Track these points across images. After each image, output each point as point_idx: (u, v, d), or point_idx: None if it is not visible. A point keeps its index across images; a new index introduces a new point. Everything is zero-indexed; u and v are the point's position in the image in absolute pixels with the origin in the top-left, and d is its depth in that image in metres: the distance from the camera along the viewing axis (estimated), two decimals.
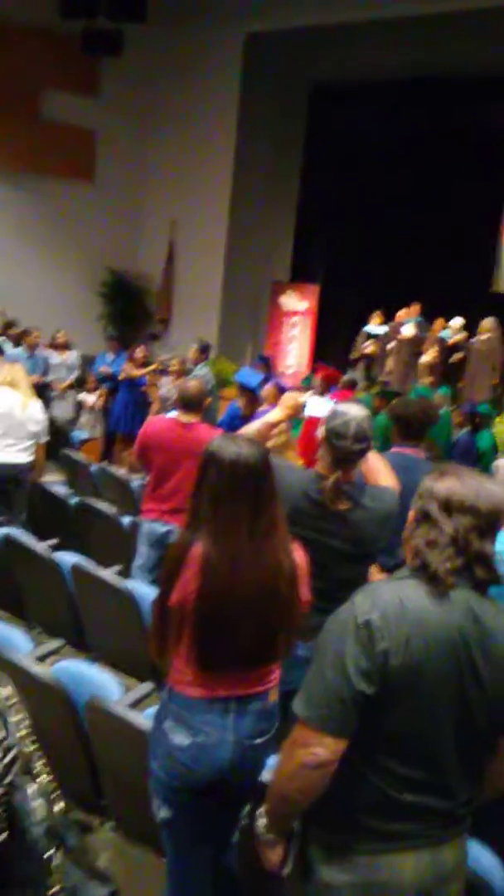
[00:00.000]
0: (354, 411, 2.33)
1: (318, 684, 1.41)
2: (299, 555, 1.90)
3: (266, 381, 5.92)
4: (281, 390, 5.75)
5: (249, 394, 5.60)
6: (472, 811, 1.55)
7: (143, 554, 3.79)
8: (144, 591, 3.22)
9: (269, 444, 3.10)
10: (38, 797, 1.14)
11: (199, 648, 1.80)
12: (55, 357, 8.62)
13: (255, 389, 5.58)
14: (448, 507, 1.45)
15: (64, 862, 1.12)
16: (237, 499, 1.79)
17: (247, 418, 5.25)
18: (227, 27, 10.29)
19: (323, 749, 1.40)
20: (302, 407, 2.78)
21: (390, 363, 10.51)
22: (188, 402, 3.67)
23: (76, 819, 1.23)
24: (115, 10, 9.94)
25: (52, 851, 1.10)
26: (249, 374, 6.08)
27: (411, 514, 1.54)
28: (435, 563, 1.43)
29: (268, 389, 5.82)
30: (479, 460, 6.76)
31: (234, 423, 5.55)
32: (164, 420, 3.85)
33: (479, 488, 1.47)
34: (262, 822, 1.58)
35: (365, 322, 10.94)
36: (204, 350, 7.02)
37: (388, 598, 1.41)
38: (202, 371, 6.82)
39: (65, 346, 8.76)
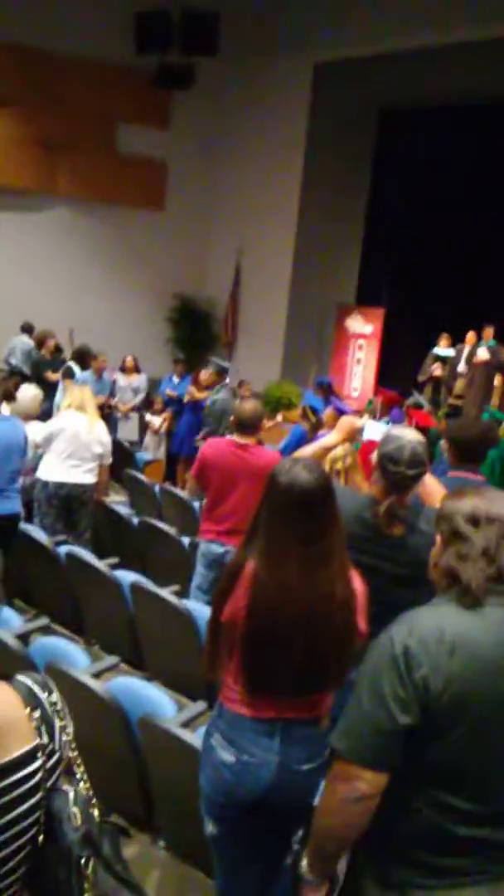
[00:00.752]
0: (409, 436, 2.31)
1: (356, 716, 1.38)
2: (358, 584, 1.87)
3: (326, 404, 5.92)
4: (340, 413, 5.76)
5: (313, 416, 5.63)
6: None
7: (200, 574, 3.83)
8: (202, 610, 3.25)
9: (338, 465, 3.10)
10: (77, 802, 1.16)
11: (246, 666, 1.80)
12: (122, 380, 8.86)
13: (316, 413, 5.59)
14: (475, 520, 1.45)
15: (97, 868, 1.14)
16: (288, 523, 1.78)
17: (310, 441, 5.26)
18: (294, 58, 10.50)
19: (363, 783, 1.37)
20: (359, 431, 2.77)
21: (459, 386, 10.36)
22: (244, 424, 3.72)
23: (114, 824, 1.24)
24: (188, 44, 10.28)
25: (86, 857, 1.12)
26: (312, 398, 6.12)
27: (438, 539, 1.52)
28: (467, 576, 1.41)
29: (328, 413, 5.82)
30: None
31: (299, 444, 5.60)
32: (222, 441, 3.90)
33: (498, 498, 1.48)
34: (304, 862, 1.55)
35: (431, 345, 10.82)
36: (221, 373, 7.00)
37: (426, 623, 1.39)
38: (220, 395, 6.78)
39: (134, 370, 9.00)
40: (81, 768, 1.21)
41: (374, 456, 2.35)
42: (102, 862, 1.15)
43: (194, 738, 2.19)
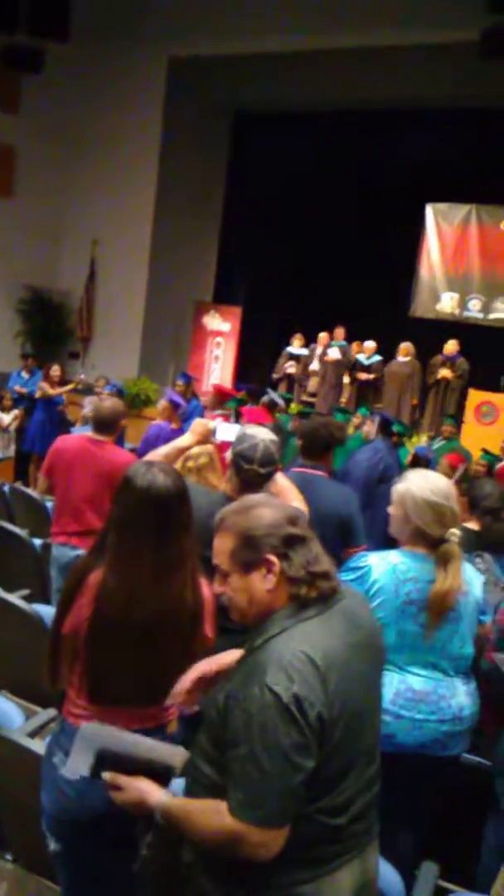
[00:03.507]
0: (262, 434, 2.36)
1: (258, 781, 1.30)
2: (206, 591, 1.84)
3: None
4: (174, 405, 5.92)
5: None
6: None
7: (54, 579, 3.71)
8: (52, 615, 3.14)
9: (189, 464, 3.09)
10: None
11: (90, 679, 1.74)
12: None
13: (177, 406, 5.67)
14: (289, 539, 1.48)
15: None
16: (142, 528, 1.73)
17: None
18: (150, 49, 10.40)
19: (275, 844, 1.33)
20: (212, 432, 2.79)
21: (313, 384, 10.73)
22: (102, 422, 3.64)
23: None
24: (37, 27, 9.86)
25: None
26: (173, 394, 6.22)
27: (273, 558, 1.47)
28: (327, 572, 1.46)
29: (161, 405, 6.03)
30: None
31: (157, 442, 5.66)
32: (74, 437, 3.80)
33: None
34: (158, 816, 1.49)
35: (287, 344, 11.13)
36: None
37: (299, 662, 1.34)
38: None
39: None
40: None
41: (228, 454, 2.39)
42: None
43: (43, 746, 2.12)
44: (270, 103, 11.22)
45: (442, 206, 11.83)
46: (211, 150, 11.79)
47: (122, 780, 1.51)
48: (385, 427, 6.08)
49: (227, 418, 6.23)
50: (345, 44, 9.07)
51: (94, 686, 1.75)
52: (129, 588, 1.71)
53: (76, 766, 1.56)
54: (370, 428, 6.32)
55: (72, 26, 9.84)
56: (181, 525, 1.78)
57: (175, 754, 1.42)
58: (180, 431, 6.20)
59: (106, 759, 1.52)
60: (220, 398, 7.32)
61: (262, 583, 1.45)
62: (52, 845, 1.83)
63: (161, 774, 1.52)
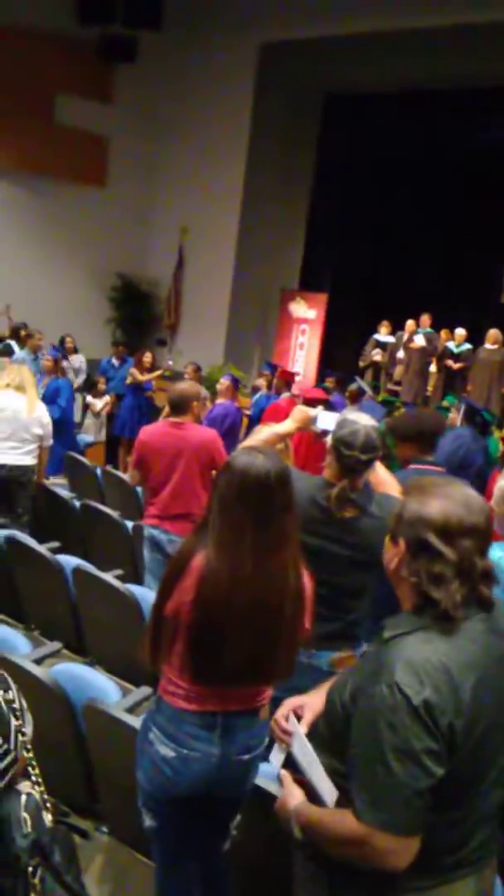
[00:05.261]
0: (364, 421, 2.32)
1: (388, 785, 1.25)
2: (307, 579, 1.83)
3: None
4: (235, 384, 6.31)
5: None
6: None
7: (147, 558, 3.78)
8: (147, 595, 3.20)
9: None
10: (29, 807, 1.10)
11: (191, 661, 1.76)
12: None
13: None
14: (447, 532, 1.33)
15: (46, 877, 1.08)
16: (243, 510, 1.73)
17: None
18: (240, 36, 10.37)
19: (405, 853, 1.28)
20: (312, 420, 2.76)
21: (398, 372, 10.53)
22: (175, 405, 3.72)
23: (69, 828, 1.19)
24: (132, 17, 10.03)
25: (33, 866, 1.07)
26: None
27: (402, 545, 1.39)
28: (445, 602, 1.31)
29: (223, 384, 6.21)
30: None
31: (226, 420, 6.04)
32: (156, 425, 3.88)
33: (468, 501, 1.35)
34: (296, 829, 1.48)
35: (373, 331, 10.95)
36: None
37: (431, 667, 1.28)
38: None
39: (72, 350, 8.81)
40: (36, 770, 1.16)
41: (329, 440, 2.36)
42: (52, 871, 1.10)
43: (139, 722, 2.16)
44: (359, 86, 10.99)
45: None
46: (298, 136, 11.68)
47: (287, 780, 1.53)
48: (471, 415, 5.91)
49: (291, 401, 6.30)
50: (434, 23, 8.79)
51: (193, 667, 1.76)
52: (232, 570, 1.71)
53: (274, 756, 1.68)
54: (455, 415, 6.17)
55: (164, 14, 9.96)
56: (282, 508, 1.77)
57: (332, 793, 1.44)
58: (241, 411, 6.52)
59: (290, 762, 1.60)
60: (285, 381, 7.43)
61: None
62: (148, 821, 1.87)
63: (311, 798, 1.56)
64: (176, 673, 1.80)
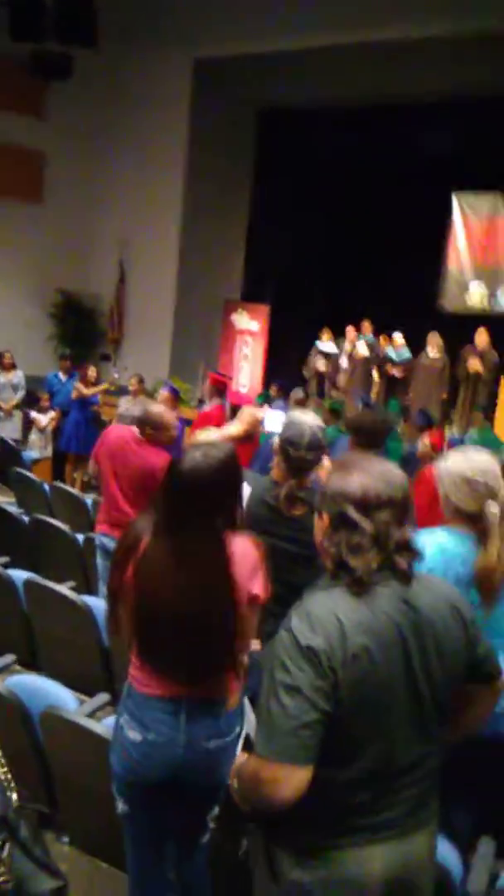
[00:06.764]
0: (309, 420, 2.38)
1: (277, 716, 1.34)
2: (252, 549, 1.88)
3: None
4: (175, 395, 6.39)
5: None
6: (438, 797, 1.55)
7: (99, 567, 3.77)
8: (103, 606, 3.18)
9: None
10: None
11: (140, 645, 1.83)
12: (0, 377, 8.61)
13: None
14: (365, 505, 1.41)
15: (14, 851, 1.10)
16: (182, 500, 1.80)
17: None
18: (176, 52, 10.47)
19: (296, 782, 1.34)
20: (260, 422, 2.83)
21: (342, 379, 10.71)
22: (145, 423, 3.64)
23: (34, 807, 1.20)
24: (64, 33, 9.97)
25: (1, 841, 1.08)
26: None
27: (325, 518, 1.47)
28: (358, 568, 1.39)
29: (162, 395, 6.32)
30: None
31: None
32: (124, 429, 3.81)
33: (387, 475, 1.44)
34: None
35: (315, 340, 11.12)
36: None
37: (325, 619, 1.36)
38: None
39: (10, 366, 8.77)
40: None
41: (275, 440, 2.42)
42: (19, 845, 1.12)
43: (99, 727, 2.16)
44: (295, 100, 11.21)
45: (468, 195, 11.68)
46: (237, 150, 11.83)
47: (242, 755, 1.60)
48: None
49: (220, 408, 6.34)
50: (368, 38, 9.04)
51: (143, 652, 1.83)
52: (163, 560, 1.78)
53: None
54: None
55: (98, 31, 9.96)
56: (217, 506, 1.83)
57: None
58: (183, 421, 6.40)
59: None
60: (216, 388, 7.43)
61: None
62: (120, 806, 1.90)
63: None
64: (135, 657, 1.85)
